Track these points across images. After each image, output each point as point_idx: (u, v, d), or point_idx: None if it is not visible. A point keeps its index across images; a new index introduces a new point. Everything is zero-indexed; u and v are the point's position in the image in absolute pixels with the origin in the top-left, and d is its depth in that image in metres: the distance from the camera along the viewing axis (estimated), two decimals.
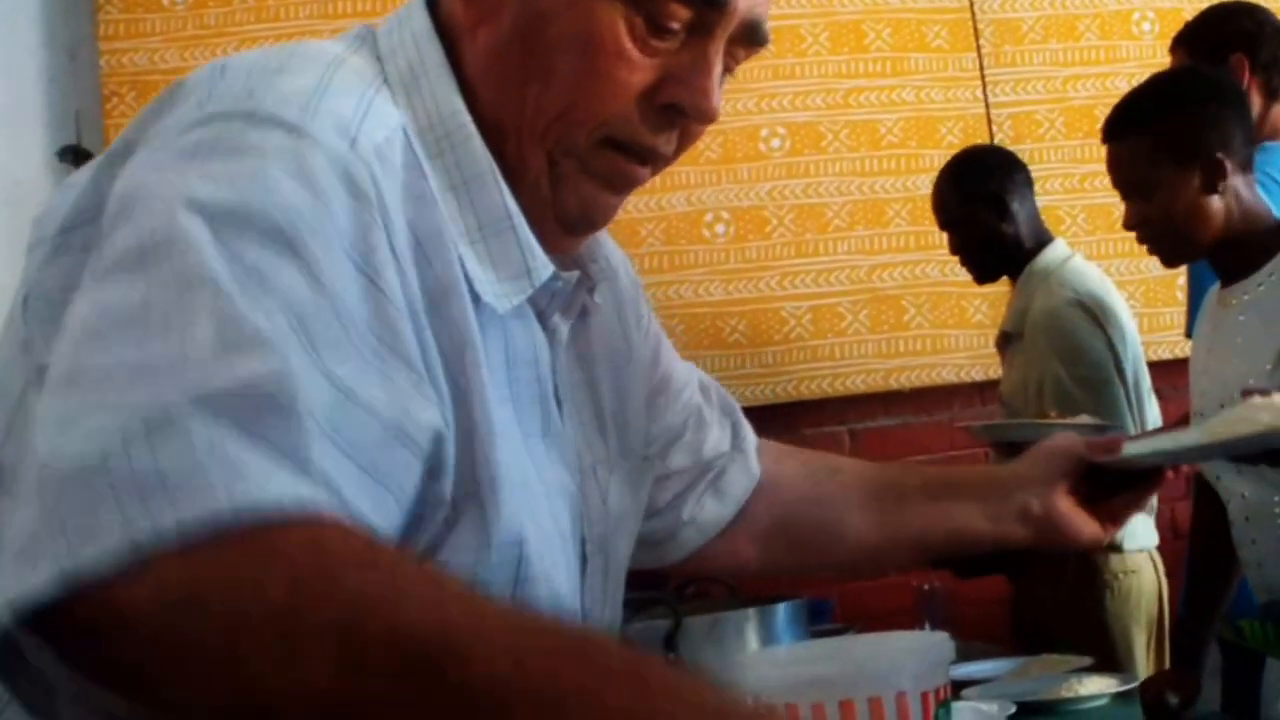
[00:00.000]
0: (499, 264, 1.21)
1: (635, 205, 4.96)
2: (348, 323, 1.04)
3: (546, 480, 1.25)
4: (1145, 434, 3.55)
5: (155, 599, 0.88)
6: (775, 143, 5.12)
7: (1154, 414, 3.92)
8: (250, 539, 0.90)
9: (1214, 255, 2.99)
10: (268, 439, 0.94)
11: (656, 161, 1.30)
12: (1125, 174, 3.05)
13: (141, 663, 0.89)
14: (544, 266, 1.24)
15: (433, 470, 1.10)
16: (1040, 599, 3.97)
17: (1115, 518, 1.85)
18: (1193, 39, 3.86)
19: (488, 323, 1.21)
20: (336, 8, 4.72)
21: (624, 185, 1.29)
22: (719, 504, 1.79)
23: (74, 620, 0.89)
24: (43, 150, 4.11)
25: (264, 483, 0.92)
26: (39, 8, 4.37)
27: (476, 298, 1.20)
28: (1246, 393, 2.14)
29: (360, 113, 1.13)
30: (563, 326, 1.33)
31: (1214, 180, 2.91)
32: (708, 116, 1.27)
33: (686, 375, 1.75)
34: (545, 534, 1.22)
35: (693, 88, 1.25)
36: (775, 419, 5.06)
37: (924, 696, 2.36)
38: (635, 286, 1.59)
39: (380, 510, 1.04)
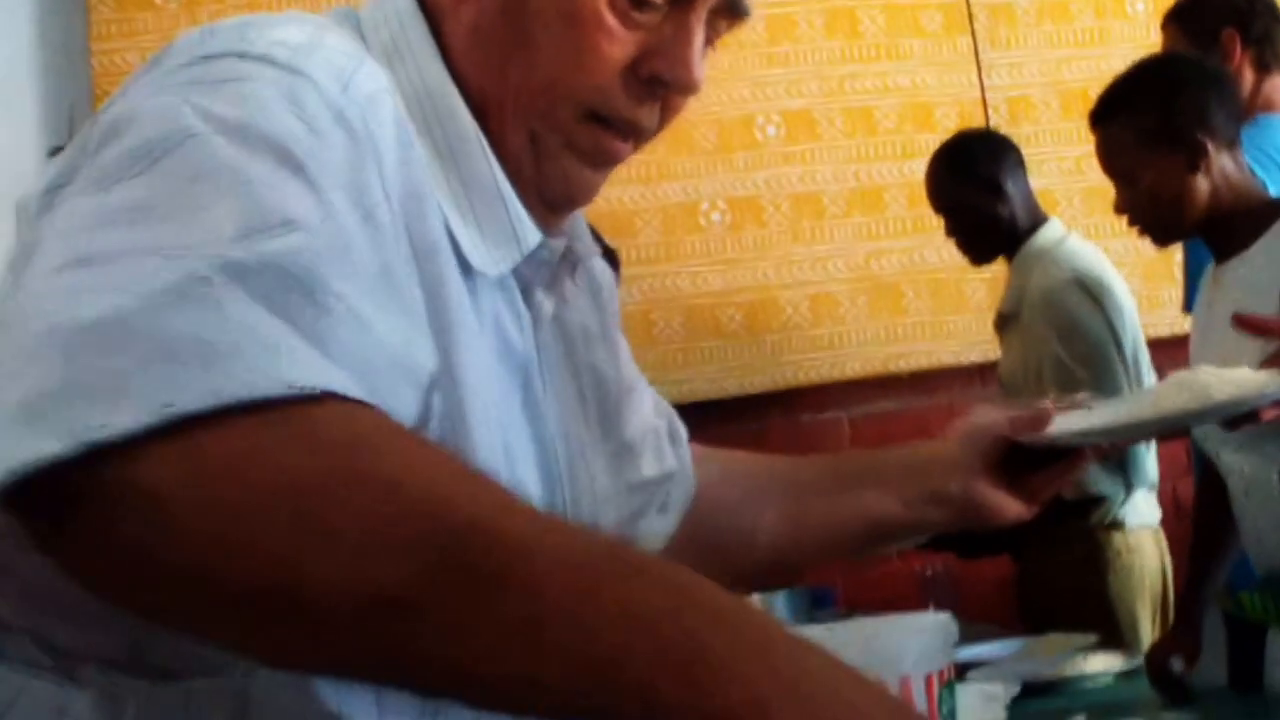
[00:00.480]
0: (486, 230, 1.20)
1: (631, 196, 4.97)
2: (355, 251, 1.01)
3: (517, 451, 1.24)
4: (1076, 404, 3.58)
5: (192, 475, 0.82)
6: (770, 130, 5.12)
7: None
8: (292, 418, 0.84)
9: (1207, 233, 3.04)
10: (297, 324, 0.90)
11: (639, 135, 1.29)
12: (1111, 160, 3.11)
13: (160, 545, 0.82)
14: (532, 234, 1.23)
15: (423, 416, 1.06)
16: (1044, 579, 3.98)
17: (1035, 496, 1.77)
18: (1184, 16, 3.88)
19: (476, 288, 1.20)
20: (329, 4, 4.72)
21: (606, 161, 1.29)
22: (664, 518, 1.67)
23: (80, 493, 0.82)
24: (36, 149, 4.11)
25: (305, 363, 0.87)
26: (32, 6, 4.37)
27: (462, 265, 1.19)
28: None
29: (353, 65, 1.12)
30: (546, 302, 1.32)
31: (1197, 161, 2.96)
32: (690, 88, 1.27)
33: (643, 381, 1.70)
34: None
35: (675, 59, 1.25)
36: (775, 407, 5.07)
37: (928, 679, 2.36)
38: (612, 286, 1.57)
39: None
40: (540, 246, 1.25)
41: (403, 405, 1.00)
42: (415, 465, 0.86)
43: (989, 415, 1.79)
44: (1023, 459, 1.76)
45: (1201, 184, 2.97)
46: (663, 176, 5.01)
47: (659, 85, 1.26)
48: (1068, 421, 1.80)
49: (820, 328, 5.08)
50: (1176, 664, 2.87)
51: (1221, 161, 2.99)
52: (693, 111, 4.67)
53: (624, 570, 0.84)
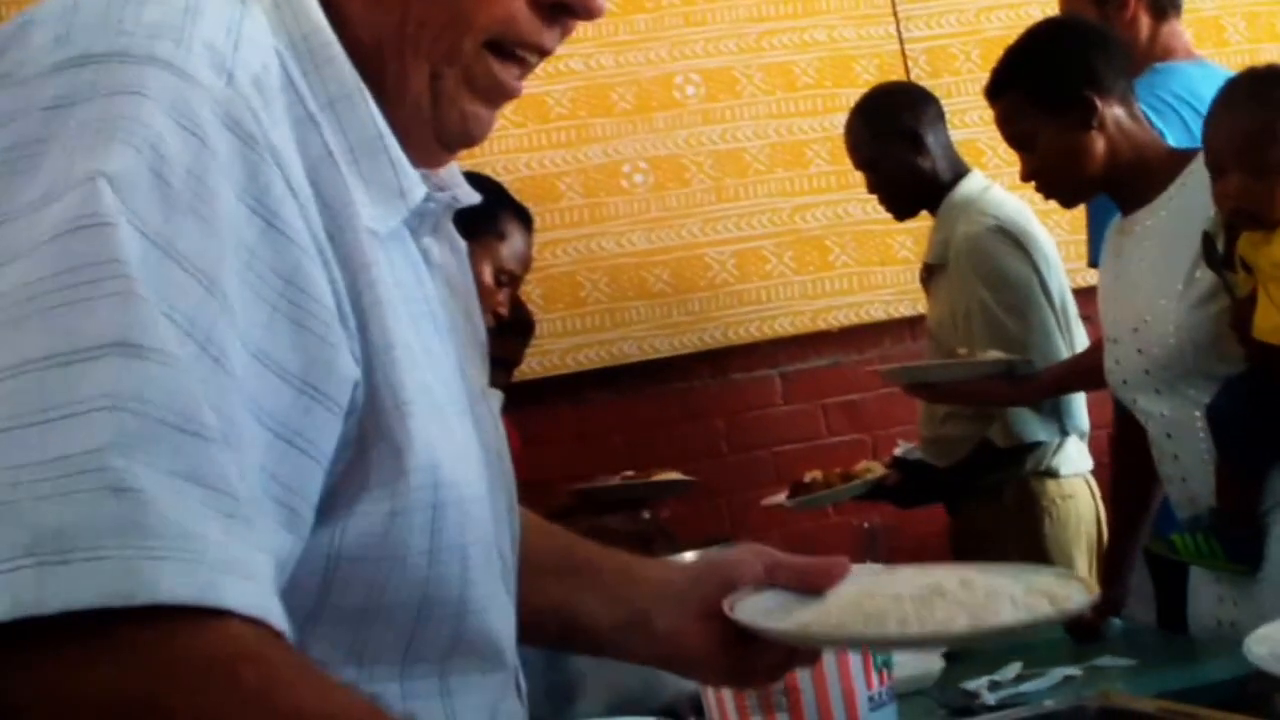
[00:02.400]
0: (372, 185, 1.18)
1: (552, 160, 4.95)
2: (253, 276, 1.02)
3: (446, 402, 1.22)
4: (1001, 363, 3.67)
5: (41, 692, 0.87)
6: (690, 90, 5.11)
7: (1082, 338, 3.93)
8: (128, 638, 0.88)
9: (1111, 187, 3.11)
10: (188, 476, 0.92)
11: (540, 58, 1.28)
12: (1009, 129, 3.20)
13: None
14: (416, 186, 1.22)
15: (345, 415, 1.08)
16: (979, 528, 3.99)
17: (748, 674, 1.56)
18: None
19: (378, 246, 1.18)
20: None
21: (501, 98, 1.28)
22: None
23: None
24: None
25: (177, 575, 0.89)
26: None
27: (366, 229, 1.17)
28: None
29: (233, 40, 1.10)
30: (434, 247, 1.30)
31: (1088, 118, 3.04)
32: (596, 11, 1.26)
33: None
34: (458, 457, 1.19)
35: None
36: (705, 366, 5.07)
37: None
38: (464, 248, 1.53)
39: (303, 477, 1.04)
40: (427, 199, 1.23)
41: (322, 432, 1.05)
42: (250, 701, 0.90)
43: (750, 556, 1.54)
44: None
45: (1096, 140, 3.04)
46: (583, 139, 5.00)
47: (562, 10, 1.25)
48: (804, 611, 1.46)
49: (747, 284, 5.07)
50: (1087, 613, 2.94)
51: (1115, 115, 3.06)
52: (611, 73, 4.67)
53: None
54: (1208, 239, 2.80)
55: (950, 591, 1.39)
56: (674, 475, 4.13)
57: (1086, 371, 3.69)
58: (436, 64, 1.22)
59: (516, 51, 1.25)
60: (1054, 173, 3.12)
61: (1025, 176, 3.18)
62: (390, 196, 1.19)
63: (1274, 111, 2.69)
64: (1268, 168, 2.65)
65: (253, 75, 1.09)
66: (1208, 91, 3.37)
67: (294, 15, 1.18)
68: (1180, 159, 3.04)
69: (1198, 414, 2.88)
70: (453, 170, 1.39)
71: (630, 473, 4.19)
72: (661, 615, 1.52)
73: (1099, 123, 3.03)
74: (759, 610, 1.45)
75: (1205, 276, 2.85)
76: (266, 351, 1.02)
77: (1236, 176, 2.68)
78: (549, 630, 1.55)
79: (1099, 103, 3.03)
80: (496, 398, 1.48)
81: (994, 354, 3.77)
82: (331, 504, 1.09)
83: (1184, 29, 3.87)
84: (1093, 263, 3.68)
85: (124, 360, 0.92)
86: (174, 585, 0.88)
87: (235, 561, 0.92)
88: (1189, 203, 2.93)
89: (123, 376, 0.92)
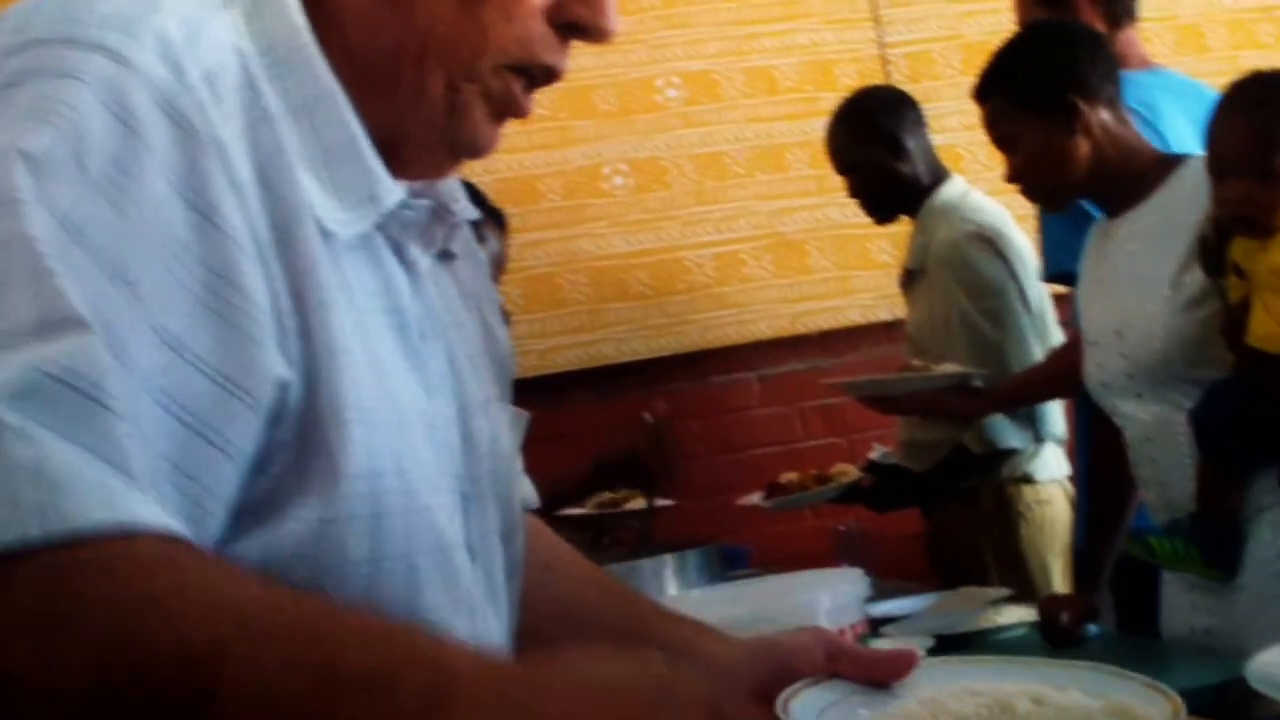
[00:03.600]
0: (343, 190, 1.17)
1: (534, 161, 4.95)
2: (176, 266, 1.02)
3: (411, 412, 1.22)
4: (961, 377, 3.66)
5: None
6: (671, 93, 5.12)
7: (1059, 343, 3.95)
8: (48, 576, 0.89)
9: (1095, 190, 3.10)
10: (82, 441, 0.93)
11: (550, 82, 1.28)
12: (995, 130, 3.19)
13: None
14: (390, 192, 1.20)
15: (276, 417, 1.08)
16: (955, 533, 4.00)
17: None
18: None
19: (336, 252, 1.17)
20: None
21: (515, 114, 1.27)
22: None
23: None
24: None
25: (84, 501, 0.91)
26: None
27: (323, 231, 1.16)
28: None
29: (189, 36, 1.10)
30: (422, 259, 1.28)
31: (1072, 122, 3.03)
32: (608, 34, 1.26)
33: None
34: (415, 467, 1.18)
35: (594, 6, 1.24)
36: (683, 369, 5.07)
37: (840, 633, 2.36)
38: (486, 262, 1.53)
39: (212, 471, 1.03)
40: (404, 206, 1.22)
41: (235, 427, 1.05)
42: (131, 611, 0.90)
43: (812, 642, 1.44)
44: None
45: (1080, 144, 3.03)
46: (564, 141, 5.01)
47: (575, 32, 1.25)
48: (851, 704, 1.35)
49: (726, 287, 5.09)
50: (1065, 617, 2.98)
51: (1100, 119, 3.05)
52: (593, 75, 4.66)
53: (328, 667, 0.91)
54: (1204, 243, 2.81)
55: (1021, 712, 1.29)
56: (642, 504, 4.07)
57: (1041, 384, 3.71)
58: (454, 78, 1.22)
59: (530, 71, 1.25)
60: (1037, 175, 3.11)
61: (1010, 178, 3.18)
62: (360, 200, 1.18)
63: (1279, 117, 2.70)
64: (1271, 173, 2.64)
65: (204, 70, 1.09)
66: (1161, 100, 3.39)
67: (272, 18, 1.18)
68: (1167, 163, 3.04)
69: (1180, 418, 2.87)
70: (452, 184, 1.39)
71: (605, 496, 4.18)
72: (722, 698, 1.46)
73: (1083, 127, 3.03)
74: (813, 709, 1.33)
75: (1192, 280, 2.84)
76: (183, 342, 1.01)
77: (1239, 181, 2.66)
78: None
79: (1083, 107, 3.02)
80: (518, 415, 1.47)
81: (949, 367, 3.78)
82: (268, 507, 1.09)
83: (1139, 37, 3.87)
84: (1046, 276, 3.71)
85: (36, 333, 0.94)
86: (84, 511, 0.90)
87: (136, 491, 0.94)
88: (1177, 207, 2.92)
89: (30, 345, 0.94)
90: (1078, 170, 3.05)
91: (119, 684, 0.87)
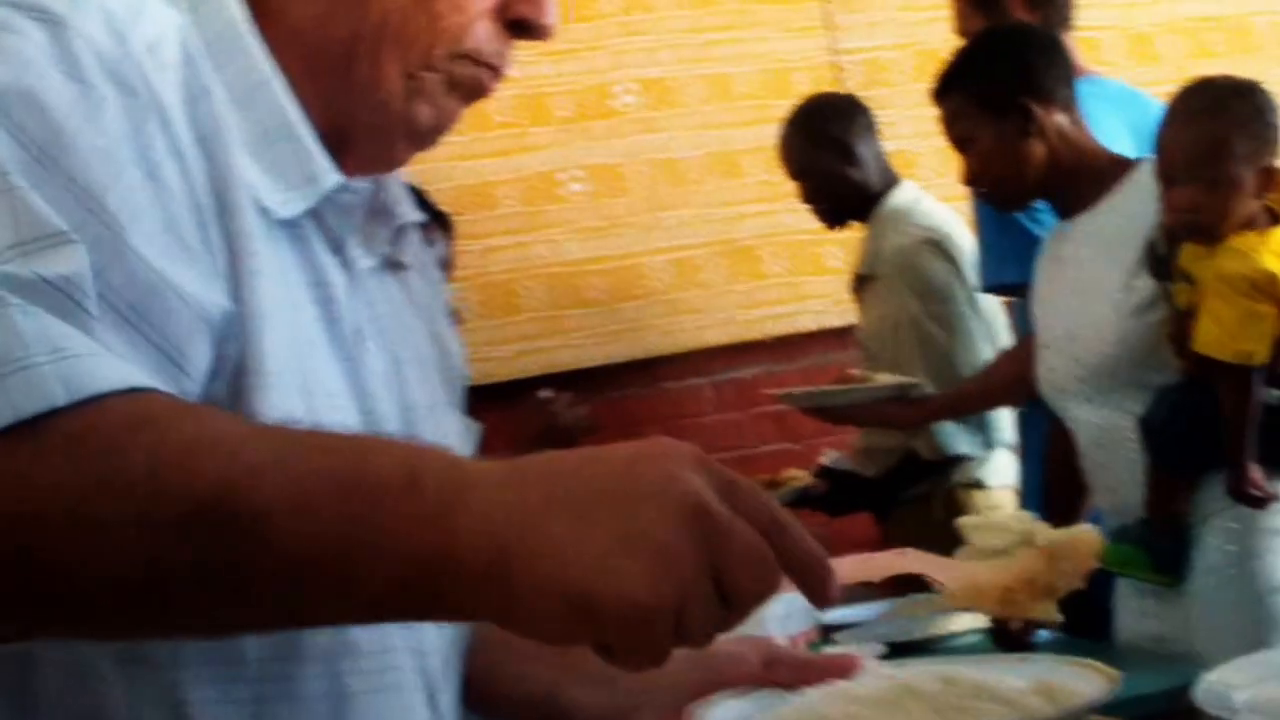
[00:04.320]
0: (281, 171, 1.19)
1: (490, 168, 4.95)
2: (136, 208, 1.04)
3: (339, 396, 1.21)
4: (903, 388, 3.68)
5: None
6: (628, 99, 5.13)
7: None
8: (59, 431, 0.90)
9: (1050, 192, 3.13)
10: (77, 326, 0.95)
11: (496, 81, 1.30)
12: (951, 130, 3.23)
13: None
14: (327, 174, 1.21)
15: (216, 367, 1.10)
16: (907, 539, 3.98)
17: None
18: None
19: (273, 236, 1.18)
20: None
21: (480, 95, 1.29)
22: None
23: None
24: None
25: (84, 370, 0.92)
26: None
27: (259, 209, 1.17)
28: None
29: (130, 10, 1.12)
30: (362, 259, 1.29)
31: (1026, 125, 3.06)
32: (550, 31, 1.28)
33: None
34: None
35: (537, 4, 1.27)
36: (637, 375, 5.08)
37: (791, 641, 2.38)
38: (439, 273, 1.53)
39: (178, 392, 1.04)
40: (343, 191, 1.23)
41: (202, 358, 1.07)
42: (175, 447, 0.92)
43: (748, 649, 1.42)
44: None
45: (1035, 147, 3.06)
46: (521, 148, 5.01)
47: (520, 30, 1.27)
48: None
49: (682, 293, 5.10)
50: (1015, 624, 2.96)
51: (1055, 122, 3.08)
52: (550, 82, 4.65)
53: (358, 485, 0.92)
54: (1152, 249, 2.83)
55: (926, 692, 1.21)
56: None
57: (977, 396, 3.73)
58: (411, 66, 1.23)
59: (480, 63, 1.27)
60: (993, 177, 3.14)
61: (965, 179, 3.21)
62: (299, 182, 1.20)
63: (1229, 124, 2.71)
64: (1220, 181, 2.67)
65: (147, 42, 1.11)
66: (1096, 108, 3.41)
67: (209, 12, 1.19)
68: (1122, 167, 3.06)
69: (1129, 423, 2.90)
70: (396, 188, 1.36)
71: None
72: (650, 709, 1.44)
73: (1037, 130, 3.05)
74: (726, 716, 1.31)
75: (1144, 285, 2.87)
76: (149, 261, 1.04)
77: (1188, 188, 2.70)
78: (535, 719, 1.51)
79: (1037, 110, 3.05)
80: (468, 426, 1.47)
81: (886, 377, 3.79)
82: None
83: (1075, 44, 3.88)
84: (983, 288, 3.72)
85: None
86: (102, 376, 0.92)
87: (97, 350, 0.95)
88: (1130, 211, 2.95)
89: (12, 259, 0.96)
90: (1032, 172, 3.07)
91: (168, 519, 0.89)
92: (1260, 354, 2.69)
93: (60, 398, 0.90)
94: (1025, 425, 3.69)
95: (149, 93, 1.09)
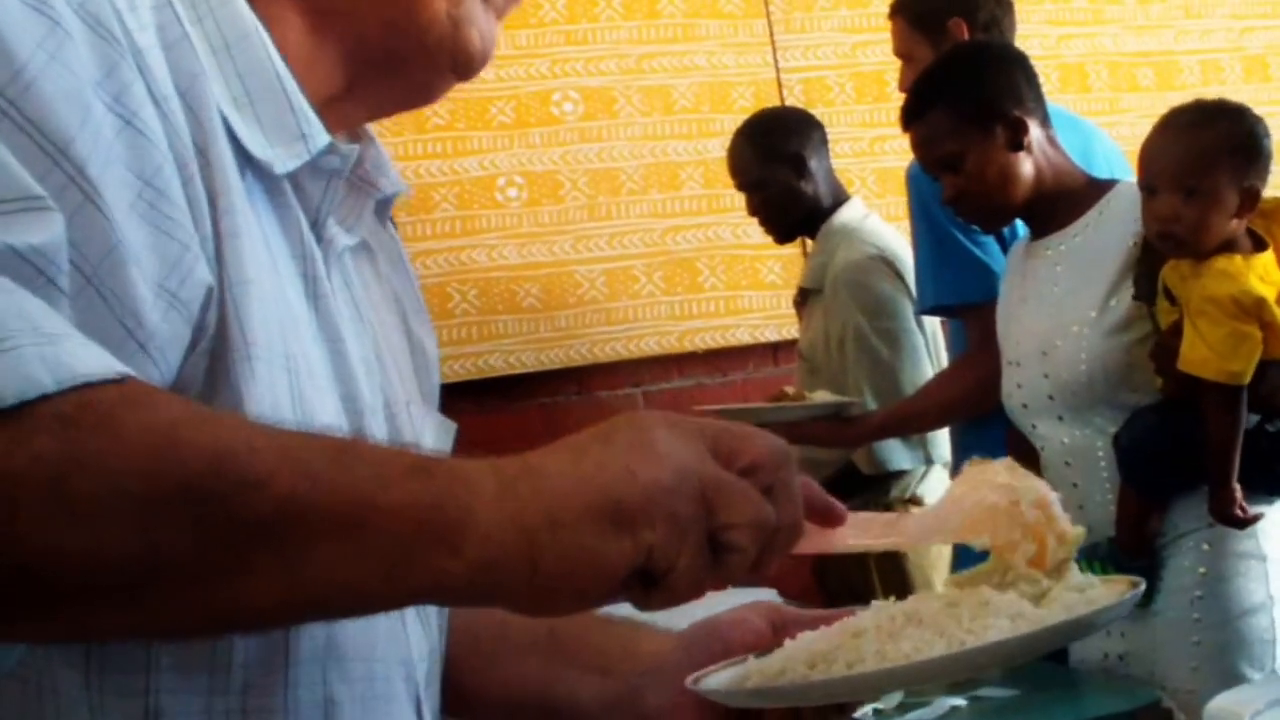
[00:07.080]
0: (269, 128, 1.14)
1: (428, 170, 4.94)
2: (109, 168, 0.98)
3: (320, 377, 1.16)
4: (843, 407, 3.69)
5: None
6: (568, 106, 5.13)
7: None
8: (49, 414, 0.86)
9: (1030, 210, 3.09)
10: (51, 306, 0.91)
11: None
12: (933, 151, 3.13)
13: None
14: (319, 133, 1.16)
15: (194, 341, 1.04)
16: (846, 554, 4.02)
17: None
18: (910, 5, 3.89)
19: (250, 197, 1.13)
20: None
21: (509, 8, 1.29)
22: None
23: None
24: None
25: (57, 361, 0.87)
26: None
27: (241, 165, 1.12)
28: None
29: None
30: (341, 237, 1.23)
31: (1018, 138, 3.03)
32: None
33: None
34: (321, 409, 1.14)
35: None
36: (569, 382, 5.08)
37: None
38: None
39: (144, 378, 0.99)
40: (330, 153, 1.18)
41: (172, 341, 1.01)
42: (168, 421, 0.89)
43: (753, 615, 1.39)
44: None
45: (1025, 162, 3.03)
46: (460, 151, 4.99)
47: None
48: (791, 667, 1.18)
49: (616, 302, 5.09)
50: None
51: (1040, 137, 3.06)
52: (491, 87, 4.65)
53: (356, 469, 0.91)
54: (1139, 269, 2.84)
55: (928, 617, 1.14)
56: None
57: (913, 417, 3.73)
58: None
59: None
60: (980, 195, 3.07)
61: (948, 200, 3.13)
62: (290, 139, 1.15)
63: (1215, 138, 2.73)
64: (1200, 191, 2.68)
65: None
66: None
67: None
68: (1098, 187, 3.06)
69: (1101, 442, 2.91)
70: (381, 159, 1.32)
71: None
72: (654, 691, 1.37)
73: (1028, 145, 3.02)
74: (732, 677, 1.23)
75: (1119, 305, 2.88)
76: (128, 243, 0.98)
77: (1168, 198, 2.70)
78: (531, 717, 1.46)
79: (1029, 123, 3.03)
80: (445, 424, 1.42)
81: (822, 395, 3.80)
82: None
83: None
84: (920, 309, 3.74)
85: None
86: (84, 362, 0.88)
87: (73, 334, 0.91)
88: (1107, 230, 2.95)
89: None
90: (1021, 189, 3.04)
91: (167, 492, 0.86)
92: (1246, 374, 2.71)
93: (49, 384, 0.85)
94: (962, 443, 3.71)
95: (125, 36, 1.02)
